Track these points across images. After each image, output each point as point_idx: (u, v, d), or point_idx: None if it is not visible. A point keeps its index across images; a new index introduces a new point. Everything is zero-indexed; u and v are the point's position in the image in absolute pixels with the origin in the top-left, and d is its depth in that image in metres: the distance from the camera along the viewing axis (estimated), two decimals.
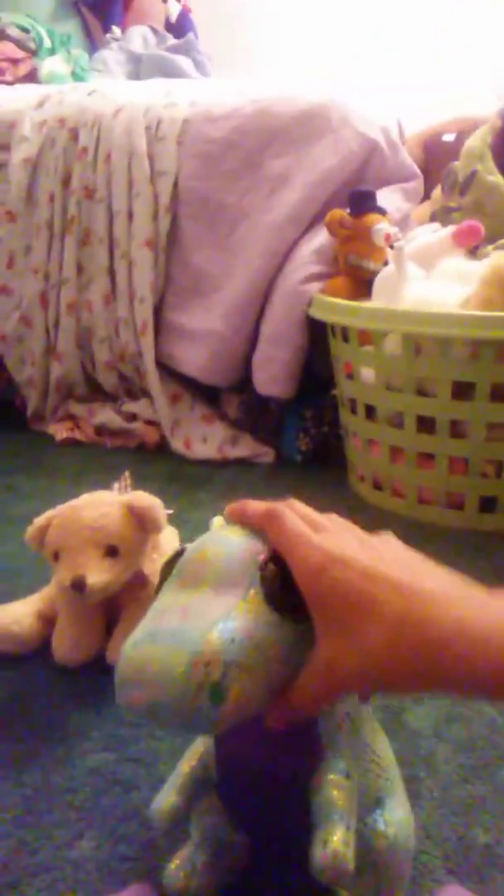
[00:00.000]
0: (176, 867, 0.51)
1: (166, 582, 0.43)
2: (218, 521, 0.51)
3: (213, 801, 0.50)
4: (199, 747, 0.50)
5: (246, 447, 1.53)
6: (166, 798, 0.48)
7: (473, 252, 1.26)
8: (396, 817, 0.49)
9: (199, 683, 0.36)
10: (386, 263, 1.28)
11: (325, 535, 0.41)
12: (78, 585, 0.74)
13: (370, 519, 1.20)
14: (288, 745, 0.44)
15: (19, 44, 2.10)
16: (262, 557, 0.41)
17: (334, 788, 0.43)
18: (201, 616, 0.38)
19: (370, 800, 0.47)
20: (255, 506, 0.44)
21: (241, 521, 0.44)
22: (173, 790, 0.48)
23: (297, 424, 1.48)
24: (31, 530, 0.80)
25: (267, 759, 0.46)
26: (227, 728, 0.38)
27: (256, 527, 0.43)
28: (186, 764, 0.50)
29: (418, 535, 1.15)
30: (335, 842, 0.40)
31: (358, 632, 0.37)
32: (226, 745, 0.48)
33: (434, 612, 0.36)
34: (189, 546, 0.44)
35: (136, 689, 0.38)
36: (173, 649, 0.37)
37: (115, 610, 0.84)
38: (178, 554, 0.44)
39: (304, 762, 0.44)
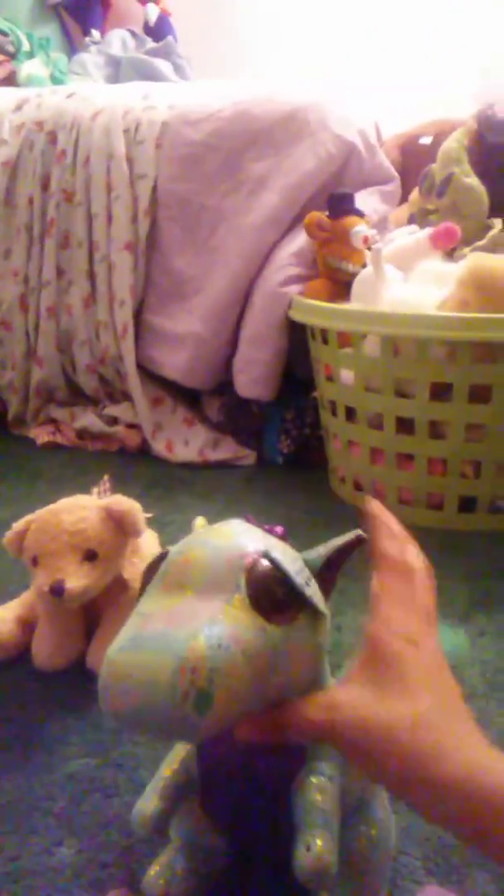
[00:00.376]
0: (155, 873, 0.50)
1: (149, 585, 0.42)
2: (200, 521, 0.51)
3: (193, 805, 0.49)
4: (181, 751, 0.50)
5: (227, 450, 1.53)
6: (148, 803, 0.47)
7: (450, 254, 1.27)
8: (377, 817, 0.49)
9: (185, 691, 0.34)
10: (364, 265, 1.28)
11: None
12: (57, 590, 0.74)
13: (351, 520, 1.20)
14: (270, 749, 0.43)
15: None
16: (247, 561, 0.40)
17: (317, 792, 0.42)
18: (186, 621, 0.37)
19: (352, 801, 0.47)
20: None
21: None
22: (155, 795, 0.47)
23: (279, 426, 1.49)
24: (9, 535, 0.80)
25: (249, 763, 0.45)
26: (210, 737, 0.37)
27: None
28: (168, 768, 0.49)
29: None
30: (319, 846, 0.39)
31: (398, 695, 0.36)
32: (208, 749, 0.48)
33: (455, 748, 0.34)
34: (172, 549, 0.43)
35: (119, 696, 0.37)
36: (158, 655, 0.36)
37: (94, 615, 0.84)
38: (162, 557, 0.43)
39: (286, 765, 0.44)
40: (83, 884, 0.56)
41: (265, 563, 0.40)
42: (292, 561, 0.42)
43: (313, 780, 0.43)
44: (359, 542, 0.45)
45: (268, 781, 0.45)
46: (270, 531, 0.45)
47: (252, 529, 0.44)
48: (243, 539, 0.42)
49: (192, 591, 0.39)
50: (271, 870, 0.47)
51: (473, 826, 0.32)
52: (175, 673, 0.35)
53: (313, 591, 0.42)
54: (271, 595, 0.39)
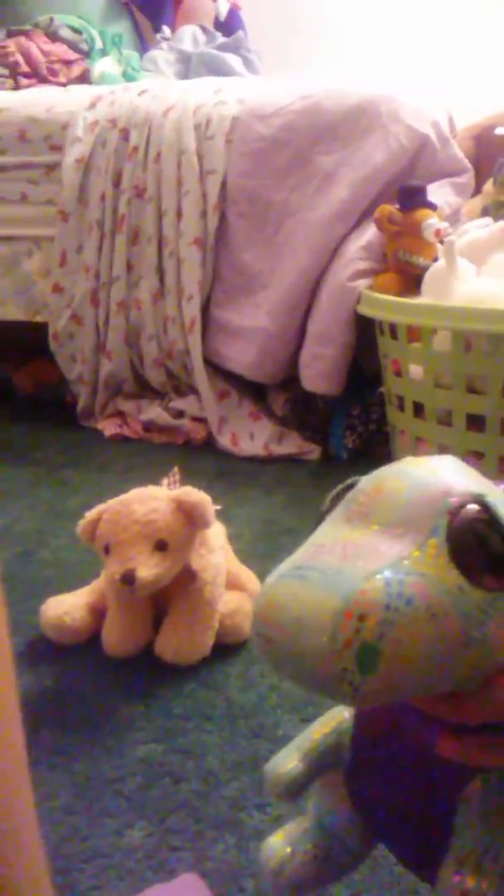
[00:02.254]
0: (275, 845, 0.43)
1: (330, 514, 0.35)
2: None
3: (338, 781, 0.42)
4: (339, 714, 0.43)
5: (292, 444, 1.53)
6: (287, 761, 0.41)
7: None
8: None
9: (348, 640, 0.28)
10: (436, 259, 1.26)
11: None
12: (128, 579, 0.75)
13: None
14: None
15: (72, 45, 2.13)
16: (454, 500, 0.32)
17: (488, 811, 0.35)
18: (365, 558, 0.31)
19: None
20: None
21: None
22: (297, 753, 0.41)
23: (344, 422, 1.48)
24: (82, 524, 0.82)
25: (419, 756, 0.37)
26: (371, 705, 0.30)
27: None
28: (319, 730, 0.42)
29: None
30: (471, 870, 0.34)
31: None
32: (370, 722, 0.40)
33: None
34: (363, 478, 0.36)
35: (271, 629, 0.31)
36: (322, 591, 0.30)
37: (163, 604, 0.85)
38: (348, 487, 0.36)
39: (467, 772, 0.36)
40: (153, 866, 0.57)
41: (476, 507, 0.32)
42: None
43: (488, 794, 0.35)
44: None
45: (438, 784, 0.37)
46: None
47: (467, 469, 0.36)
48: (454, 476, 0.34)
49: (379, 526, 0.33)
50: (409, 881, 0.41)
51: None
52: (338, 616, 0.29)
53: None
54: (478, 547, 0.31)
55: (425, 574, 0.30)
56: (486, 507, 0.32)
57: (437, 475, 0.34)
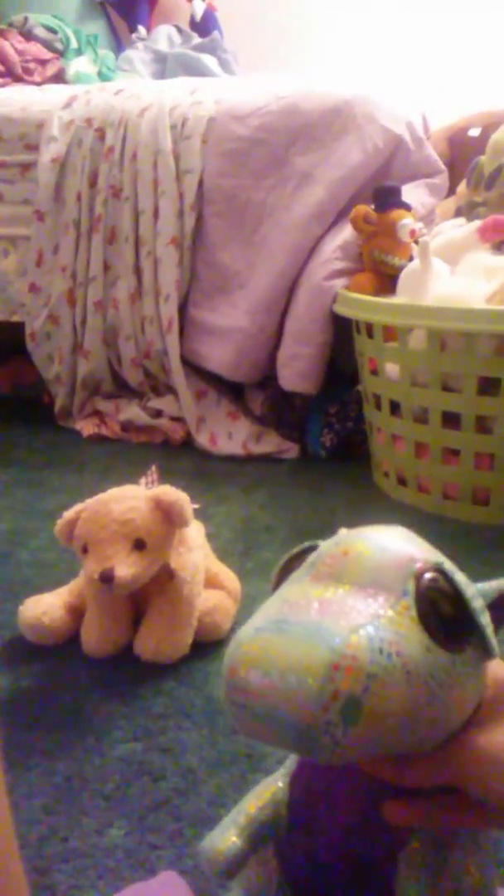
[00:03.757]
0: None
1: (293, 575, 0.36)
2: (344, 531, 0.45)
3: (269, 857, 0.41)
4: (273, 785, 0.42)
5: (270, 443, 1.53)
6: (224, 837, 0.39)
7: (499, 247, 1.25)
8: None
9: (335, 692, 0.29)
10: (411, 259, 1.28)
11: None
12: (106, 578, 0.75)
13: (394, 515, 1.20)
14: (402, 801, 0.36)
15: (47, 44, 2.12)
16: (419, 566, 0.34)
17: (429, 866, 0.35)
18: (344, 615, 0.31)
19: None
20: None
21: None
22: (234, 829, 0.40)
23: (322, 420, 1.49)
24: (60, 524, 0.82)
25: (362, 823, 0.37)
26: (344, 761, 0.30)
27: None
28: (254, 803, 0.41)
29: (443, 532, 1.15)
30: None
31: None
32: (308, 790, 0.40)
33: None
34: (324, 543, 0.37)
35: (253, 684, 0.31)
36: (308, 644, 0.30)
37: (141, 603, 0.85)
38: (306, 550, 0.37)
39: (405, 831, 0.37)
40: (133, 864, 0.57)
41: (438, 574, 0.34)
42: (467, 584, 0.35)
43: (426, 849, 0.35)
44: None
45: (376, 845, 0.36)
46: None
47: (419, 539, 0.38)
48: (412, 545, 0.36)
49: (350, 586, 0.33)
50: None
51: None
52: (328, 668, 0.29)
53: (487, 622, 0.35)
54: (443, 611, 0.33)
55: (400, 633, 0.31)
56: (446, 574, 0.34)
57: (400, 542, 0.36)
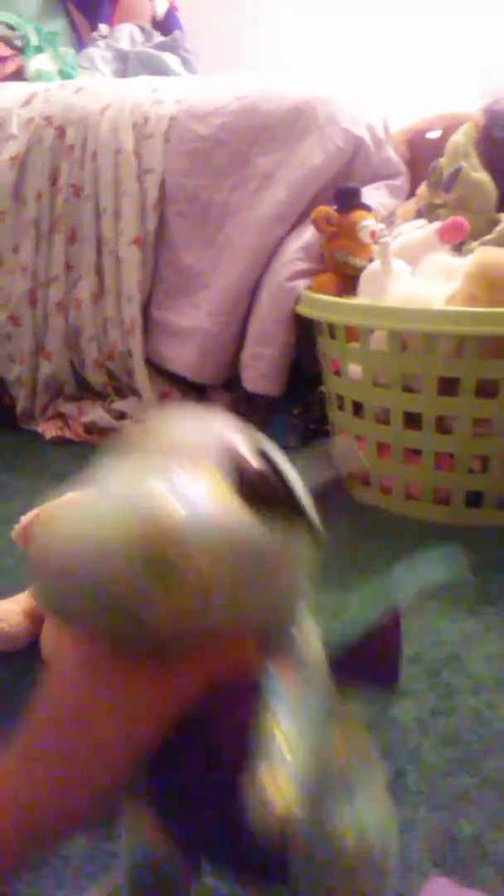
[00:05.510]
0: None
1: (103, 460, 0.34)
2: None
3: (144, 817, 0.40)
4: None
5: None
6: None
7: (458, 248, 1.27)
8: (369, 808, 0.38)
9: (147, 557, 0.28)
10: (372, 260, 1.28)
11: None
12: None
13: (357, 515, 1.20)
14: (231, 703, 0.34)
15: (6, 42, 2.09)
16: (235, 443, 0.33)
17: (274, 725, 0.33)
18: (157, 475, 0.30)
19: (334, 781, 0.36)
20: None
21: None
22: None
23: (285, 421, 1.49)
24: (17, 528, 0.81)
25: (202, 729, 0.35)
26: (164, 630, 0.29)
27: None
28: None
29: (405, 531, 1.15)
30: (274, 782, 0.31)
31: None
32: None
33: None
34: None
35: (60, 558, 0.29)
36: (117, 509, 0.29)
37: None
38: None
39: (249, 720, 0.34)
40: (92, 872, 0.57)
41: (260, 450, 0.33)
42: (284, 459, 0.34)
43: (270, 712, 0.33)
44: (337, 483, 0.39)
45: (225, 748, 0.34)
46: None
47: (237, 420, 0.37)
48: (232, 428, 0.35)
49: (165, 456, 0.32)
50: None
51: None
52: (135, 529, 0.28)
53: (309, 505, 0.34)
54: (264, 485, 0.32)
55: (221, 502, 0.30)
56: (266, 453, 0.33)
57: (219, 421, 0.35)
